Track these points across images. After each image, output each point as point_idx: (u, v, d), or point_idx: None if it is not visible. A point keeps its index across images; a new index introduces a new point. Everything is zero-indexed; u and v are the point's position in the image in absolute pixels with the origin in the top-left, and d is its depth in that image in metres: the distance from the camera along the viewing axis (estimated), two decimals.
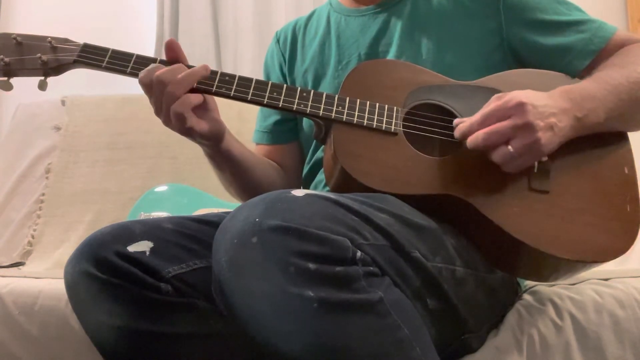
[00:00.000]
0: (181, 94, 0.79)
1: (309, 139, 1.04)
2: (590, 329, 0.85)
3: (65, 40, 0.86)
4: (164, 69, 0.80)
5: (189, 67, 0.83)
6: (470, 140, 0.77)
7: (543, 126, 0.75)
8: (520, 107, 0.75)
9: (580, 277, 0.94)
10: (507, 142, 0.75)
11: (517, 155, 0.75)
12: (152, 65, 0.82)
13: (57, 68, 0.85)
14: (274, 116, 1.12)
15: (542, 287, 0.94)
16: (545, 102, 0.77)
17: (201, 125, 0.83)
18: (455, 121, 0.81)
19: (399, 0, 1.01)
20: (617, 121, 0.84)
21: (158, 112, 0.83)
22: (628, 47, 0.90)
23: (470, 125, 0.77)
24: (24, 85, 0.95)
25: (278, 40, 1.16)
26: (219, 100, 0.86)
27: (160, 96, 0.80)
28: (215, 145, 0.90)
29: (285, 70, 1.12)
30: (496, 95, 0.78)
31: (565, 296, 0.89)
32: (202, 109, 0.84)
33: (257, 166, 1.02)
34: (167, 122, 0.83)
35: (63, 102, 1.82)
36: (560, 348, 0.84)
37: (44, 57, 0.83)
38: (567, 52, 0.92)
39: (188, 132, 0.83)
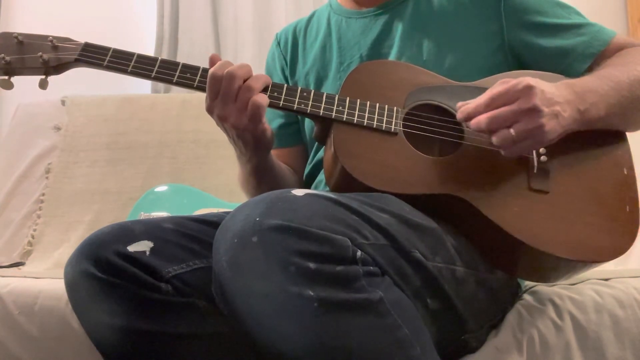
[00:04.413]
0: (260, 87, 0.81)
1: (311, 140, 1.04)
2: (590, 329, 0.85)
3: (66, 39, 0.86)
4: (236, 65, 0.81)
5: None
6: (474, 123, 0.76)
7: (548, 112, 0.75)
8: (528, 90, 0.74)
9: (580, 277, 0.94)
10: (510, 126, 0.74)
11: (518, 140, 0.74)
12: (222, 61, 0.82)
13: (58, 67, 0.85)
14: (278, 119, 1.12)
15: (542, 287, 0.94)
16: (552, 90, 0.77)
17: (266, 125, 0.85)
18: (459, 104, 0.80)
19: (400, 2, 1.01)
20: (617, 118, 0.84)
21: (224, 108, 0.82)
22: (627, 50, 0.90)
23: (475, 107, 0.77)
24: (24, 85, 0.95)
25: (279, 43, 1.16)
26: None
27: (235, 90, 0.80)
28: (267, 152, 0.92)
29: (287, 72, 1.12)
30: (502, 80, 0.77)
31: (565, 296, 0.89)
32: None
33: (287, 174, 1.04)
34: (238, 119, 0.82)
35: (63, 102, 1.82)
36: (560, 348, 0.84)
37: (45, 56, 0.84)
38: (567, 55, 0.92)
39: (258, 131, 0.84)
